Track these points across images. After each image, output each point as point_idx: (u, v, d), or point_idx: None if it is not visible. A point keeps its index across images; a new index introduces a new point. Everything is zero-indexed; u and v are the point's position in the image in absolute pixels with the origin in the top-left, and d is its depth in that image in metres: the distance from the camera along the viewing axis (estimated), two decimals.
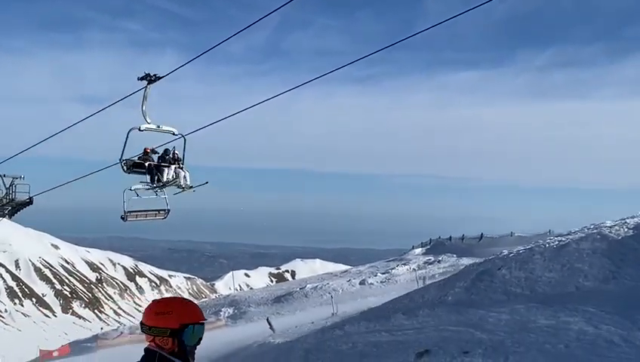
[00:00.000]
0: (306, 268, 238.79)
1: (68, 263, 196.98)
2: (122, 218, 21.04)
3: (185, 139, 17.28)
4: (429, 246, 78.10)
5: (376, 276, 61.52)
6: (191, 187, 18.11)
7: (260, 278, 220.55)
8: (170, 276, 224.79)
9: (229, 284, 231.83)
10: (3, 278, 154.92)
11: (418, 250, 77.64)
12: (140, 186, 20.27)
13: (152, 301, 5.37)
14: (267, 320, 30.24)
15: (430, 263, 65.49)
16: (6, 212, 31.24)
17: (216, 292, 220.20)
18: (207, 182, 18.43)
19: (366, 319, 23.14)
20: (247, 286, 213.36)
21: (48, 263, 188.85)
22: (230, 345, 28.14)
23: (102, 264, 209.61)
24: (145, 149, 17.68)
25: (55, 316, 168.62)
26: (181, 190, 18.18)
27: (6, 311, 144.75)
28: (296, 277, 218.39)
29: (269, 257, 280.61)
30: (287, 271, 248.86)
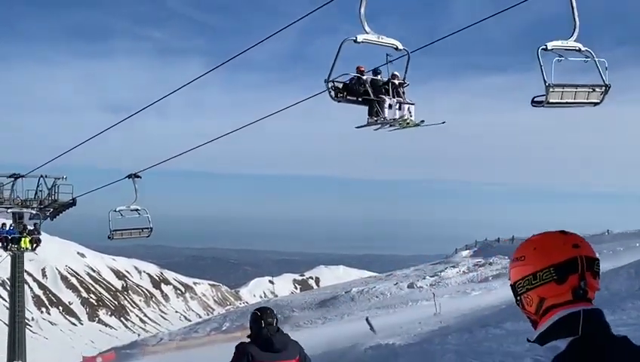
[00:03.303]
0: (330, 275, 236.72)
1: (94, 271, 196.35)
2: (109, 237, 23.18)
3: (409, 57, 13.02)
4: (475, 249, 75.44)
5: (424, 279, 59.09)
6: (422, 121, 13.30)
7: (284, 285, 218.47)
8: (195, 283, 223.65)
9: (253, 291, 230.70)
10: (30, 287, 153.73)
11: (465, 253, 75.16)
12: (123, 207, 22.24)
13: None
14: (367, 320, 27.58)
15: (481, 265, 63.06)
16: (48, 213, 29.05)
17: (240, 299, 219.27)
18: (444, 122, 13.70)
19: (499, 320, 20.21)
20: (272, 293, 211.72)
21: (74, 271, 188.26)
22: (323, 348, 25.12)
23: (127, 272, 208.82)
24: (358, 68, 12.94)
25: (82, 324, 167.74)
26: (401, 126, 13.32)
27: (33, 319, 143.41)
28: (320, 284, 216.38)
29: (292, 264, 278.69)
30: (311, 277, 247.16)
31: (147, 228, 24.15)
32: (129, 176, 22.93)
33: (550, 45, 11.22)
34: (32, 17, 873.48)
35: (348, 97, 12.59)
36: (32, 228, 26.30)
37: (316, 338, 33.72)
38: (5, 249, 25.57)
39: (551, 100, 11.16)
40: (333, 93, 12.30)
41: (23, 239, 25.30)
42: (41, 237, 25.25)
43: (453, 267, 63.46)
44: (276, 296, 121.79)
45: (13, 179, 26.68)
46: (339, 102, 12.23)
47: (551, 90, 11.09)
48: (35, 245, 25.36)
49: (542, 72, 11.12)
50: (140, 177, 22.83)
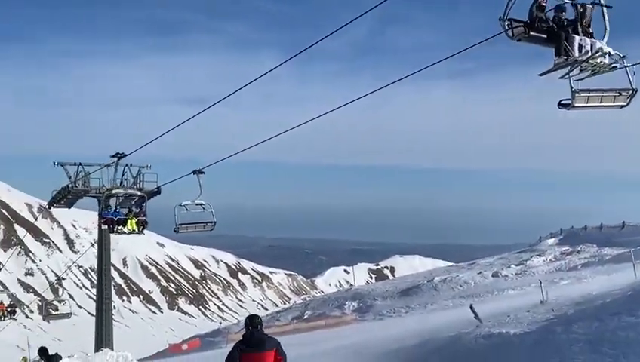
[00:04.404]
0: (405, 265, 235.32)
1: (173, 260, 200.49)
2: (175, 230, 24.62)
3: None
4: (561, 237, 72.64)
5: (509, 268, 57.13)
6: (618, 60, 11.25)
7: (359, 275, 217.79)
8: (271, 272, 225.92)
9: (329, 281, 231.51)
10: (111, 276, 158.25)
11: (550, 241, 72.47)
12: (189, 202, 23.64)
13: None
14: (471, 308, 26.53)
15: (568, 254, 60.60)
16: (133, 202, 29.16)
17: (316, 288, 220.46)
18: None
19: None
20: (347, 282, 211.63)
21: (154, 261, 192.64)
22: (420, 337, 24.18)
23: (205, 261, 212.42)
24: (539, 3, 11.31)
25: (161, 312, 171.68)
26: (593, 71, 11.36)
27: (115, 307, 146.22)
28: (396, 273, 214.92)
29: (367, 254, 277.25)
30: (386, 267, 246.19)
31: (211, 223, 25.26)
32: (194, 172, 23.64)
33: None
34: (112, 15, 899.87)
35: (531, 34, 11.10)
36: (137, 210, 26.32)
37: (400, 327, 32.75)
38: (112, 231, 25.77)
39: (576, 105, 11.20)
40: (511, 31, 10.94)
41: (129, 221, 25.36)
42: (147, 219, 25.28)
43: (539, 255, 61.13)
44: (352, 285, 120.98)
45: (116, 158, 26.97)
46: (518, 40, 10.85)
47: (577, 95, 11.12)
48: (141, 227, 25.39)
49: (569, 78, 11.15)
50: (204, 173, 23.43)
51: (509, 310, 28.14)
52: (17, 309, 36.21)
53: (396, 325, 35.62)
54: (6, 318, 34.57)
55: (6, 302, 35.25)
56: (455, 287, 52.01)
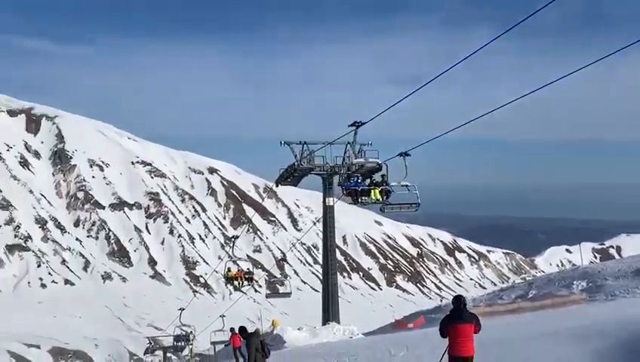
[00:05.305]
0: (633, 244, 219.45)
1: (390, 238, 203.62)
2: (381, 209, 26.50)
3: None
4: None
5: None
6: None
7: (582, 254, 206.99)
8: (488, 251, 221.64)
9: (549, 260, 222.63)
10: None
11: None
12: (394, 183, 25.41)
13: None
14: None
15: None
16: (359, 177, 29.93)
17: (536, 268, 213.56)
18: None
19: None
20: (569, 262, 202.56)
21: (373, 239, 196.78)
22: None
23: (422, 239, 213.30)
24: None
25: (380, 289, 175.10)
26: None
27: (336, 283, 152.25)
28: (623, 253, 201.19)
29: (590, 232, 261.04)
30: (612, 246, 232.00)
31: (415, 204, 25.99)
32: (400, 155, 24.16)
33: None
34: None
35: None
36: (379, 180, 26.89)
37: (637, 308, 30.28)
38: (355, 202, 26.55)
39: None
40: None
41: (372, 191, 26.04)
42: (390, 188, 25.86)
43: None
44: (574, 265, 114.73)
45: (354, 127, 27.73)
46: None
47: None
48: (385, 197, 25.98)
49: None
50: (410, 155, 23.93)
51: None
52: (254, 276, 38.15)
53: (632, 306, 32.99)
54: (244, 285, 36.44)
55: (244, 268, 37.16)
56: None
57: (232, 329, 32.99)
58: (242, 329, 17.66)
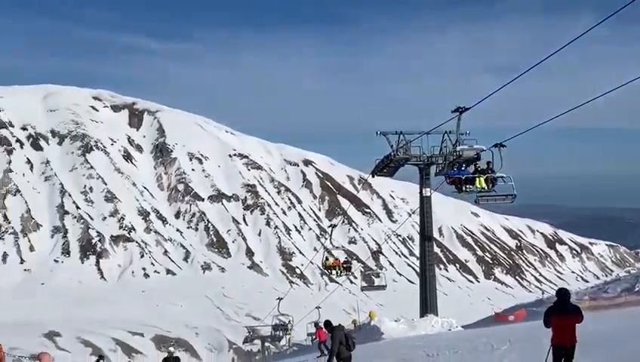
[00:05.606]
0: None
1: (488, 230, 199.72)
2: (475, 201, 26.88)
3: None
4: None
5: None
6: None
7: None
8: (591, 243, 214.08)
9: None
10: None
11: None
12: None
13: None
14: None
15: None
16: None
17: None
18: None
19: None
20: None
21: (469, 230, 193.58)
22: None
23: (520, 231, 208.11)
24: None
25: (478, 281, 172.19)
26: None
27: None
28: None
29: None
30: None
31: (511, 195, 26.10)
32: (495, 146, 24.19)
33: None
34: None
35: None
36: (484, 167, 26.44)
37: None
38: (459, 190, 26.31)
39: None
40: None
41: (477, 179, 25.70)
42: (496, 175, 25.54)
43: None
44: None
45: (458, 113, 27.46)
46: None
47: None
48: (491, 185, 25.64)
49: None
50: (505, 146, 23.86)
51: None
52: (352, 265, 38.24)
53: None
54: (342, 274, 36.62)
55: (342, 258, 37.42)
56: None
57: (316, 324, 34.25)
58: (327, 322, 17.66)
